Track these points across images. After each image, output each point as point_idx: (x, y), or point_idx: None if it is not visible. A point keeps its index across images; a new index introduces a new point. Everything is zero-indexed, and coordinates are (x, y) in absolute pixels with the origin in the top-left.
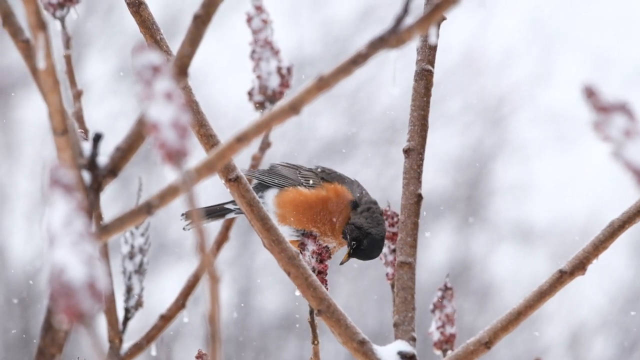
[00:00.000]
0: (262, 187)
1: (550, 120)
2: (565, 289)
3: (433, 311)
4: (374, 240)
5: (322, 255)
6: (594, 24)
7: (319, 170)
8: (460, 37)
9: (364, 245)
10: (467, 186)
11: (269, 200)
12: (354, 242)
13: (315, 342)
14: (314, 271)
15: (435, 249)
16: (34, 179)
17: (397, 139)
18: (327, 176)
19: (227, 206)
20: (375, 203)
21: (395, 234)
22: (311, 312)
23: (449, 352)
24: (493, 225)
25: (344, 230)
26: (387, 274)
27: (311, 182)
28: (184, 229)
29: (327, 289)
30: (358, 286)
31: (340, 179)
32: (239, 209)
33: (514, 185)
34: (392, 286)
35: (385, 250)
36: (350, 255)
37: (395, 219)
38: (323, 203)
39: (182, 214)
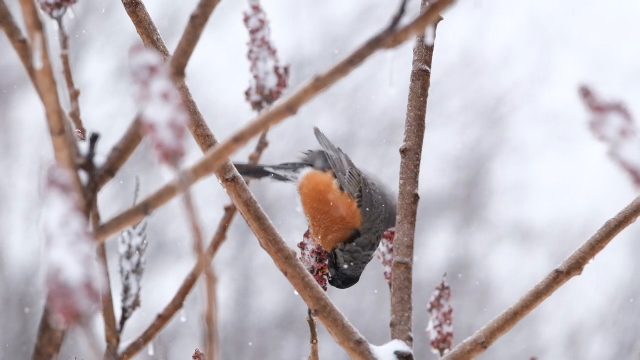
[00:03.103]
0: (313, 160)
1: (549, 120)
2: (564, 289)
3: (430, 310)
4: (347, 280)
5: (322, 255)
6: (593, 24)
7: (368, 182)
8: (459, 37)
9: (337, 279)
10: (466, 186)
11: (303, 173)
12: (330, 274)
13: (314, 341)
14: (313, 270)
15: (434, 249)
16: (32, 178)
17: (396, 139)
18: (365, 191)
19: (266, 169)
20: (370, 247)
21: (394, 233)
22: (310, 311)
23: (446, 352)
24: (492, 225)
25: (330, 253)
26: (385, 273)
27: (347, 187)
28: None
29: (326, 287)
30: (355, 286)
31: (369, 202)
32: (275, 174)
33: (513, 185)
34: (391, 285)
35: (383, 249)
36: (327, 276)
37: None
38: (331, 208)
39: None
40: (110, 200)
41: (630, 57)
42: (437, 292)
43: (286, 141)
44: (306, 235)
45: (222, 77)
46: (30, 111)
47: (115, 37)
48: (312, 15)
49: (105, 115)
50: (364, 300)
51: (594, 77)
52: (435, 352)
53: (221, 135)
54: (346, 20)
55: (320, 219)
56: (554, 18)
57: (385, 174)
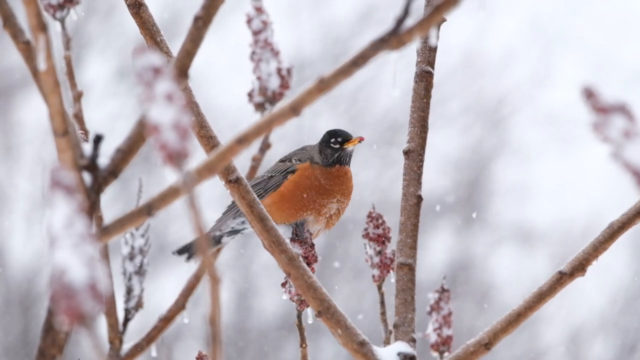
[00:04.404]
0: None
1: (550, 121)
2: (565, 290)
3: (430, 313)
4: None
5: (309, 259)
6: (594, 25)
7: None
8: (460, 39)
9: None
10: (467, 187)
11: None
12: (336, 153)
13: (304, 345)
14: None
15: (435, 250)
16: (33, 180)
17: (397, 140)
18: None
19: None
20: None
21: (380, 235)
22: (299, 316)
23: (446, 354)
24: (493, 227)
25: (329, 161)
26: (373, 276)
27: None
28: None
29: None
30: (356, 287)
31: (289, 156)
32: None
33: (514, 186)
34: (379, 288)
35: (371, 252)
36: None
37: (380, 221)
38: (297, 190)
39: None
40: (111, 201)
41: (631, 58)
42: (436, 295)
43: (287, 142)
44: (294, 239)
45: (222, 78)
46: (32, 113)
47: (116, 39)
48: (313, 16)
49: (106, 117)
50: (365, 301)
51: (595, 78)
52: (435, 354)
53: (222, 136)
54: (346, 21)
55: (314, 199)
56: (554, 19)
57: (386, 175)
